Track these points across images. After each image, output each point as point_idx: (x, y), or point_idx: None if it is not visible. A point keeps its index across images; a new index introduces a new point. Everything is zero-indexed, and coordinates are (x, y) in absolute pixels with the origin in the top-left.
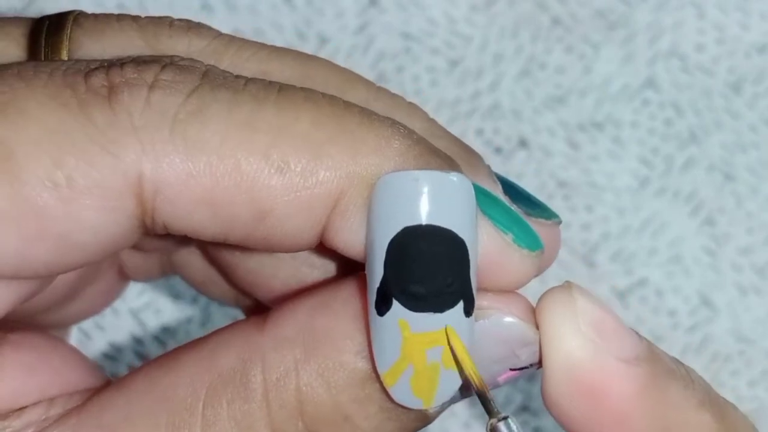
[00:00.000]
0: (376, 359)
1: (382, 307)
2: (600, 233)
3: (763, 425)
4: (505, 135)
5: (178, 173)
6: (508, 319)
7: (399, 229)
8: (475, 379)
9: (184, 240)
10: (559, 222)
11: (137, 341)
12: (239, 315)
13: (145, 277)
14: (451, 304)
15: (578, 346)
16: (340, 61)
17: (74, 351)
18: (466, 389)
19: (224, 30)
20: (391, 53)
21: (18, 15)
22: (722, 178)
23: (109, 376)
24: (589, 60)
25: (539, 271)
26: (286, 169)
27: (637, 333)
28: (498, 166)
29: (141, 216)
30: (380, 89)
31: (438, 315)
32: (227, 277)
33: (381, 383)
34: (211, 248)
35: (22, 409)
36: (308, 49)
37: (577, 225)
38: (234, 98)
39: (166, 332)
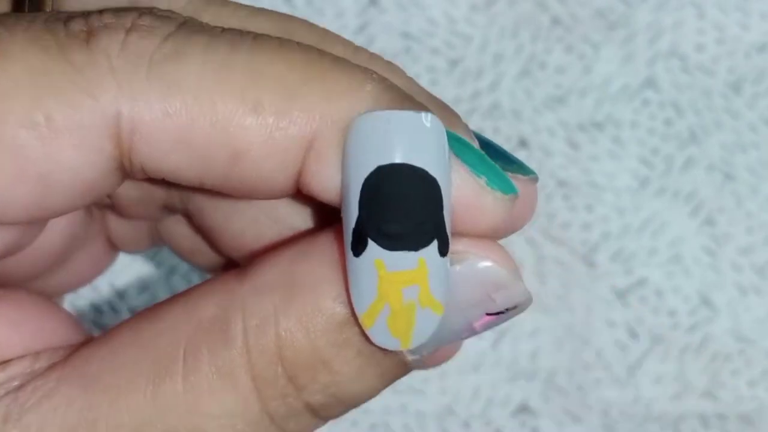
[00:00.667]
0: (353, 301)
1: (358, 247)
2: (600, 233)
3: (763, 425)
4: (505, 135)
5: (154, 112)
6: (484, 263)
7: (372, 168)
8: None
9: (170, 207)
10: (536, 179)
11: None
12: None
13: (134, 248)
14: (426, 243)
15: None
16: None
17: (58, 307)
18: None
19: None
20: (391, 53)
21: None
22: (722, 178)
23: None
24: (589, 60)
25: (516, 226)
26: (261, 110)
27: None
28: None
29: (119, 157)
30: (358, 48)
31: (413, 254)
32: (213, 244)
33: (359, 327)
34: (196, 213)
35: (7, 362)
36: None
37: (577, 225)
38: (210, 42)
39: None
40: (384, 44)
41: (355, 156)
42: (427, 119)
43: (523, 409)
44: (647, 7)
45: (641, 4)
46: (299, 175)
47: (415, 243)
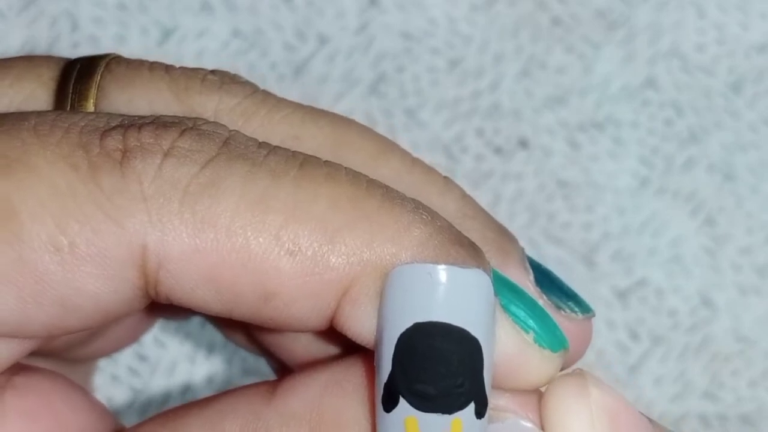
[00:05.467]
0: None
1: (389, 403)
2: (600, 233)
3: (763, 426)
4: (505, 135)
5: (183, 248)
6: (525, 423)
7: (409, 324)
8: None
9: None
10: (593, 315)
11: (137, 342)
12: None
13: (173, 316)
14: (461, 406)
15: None
16: (340, 61)
17: (81, 394)
18: None
19: (224, 30)
20: (391, 53)
21: (26, 16)
22: (722, 178)
23: (117, 418)
24: (589, 60)
25: (565, 367)
26: (297, 252)
27: (649, 420)
28: (498, 166)
29: (144, 287)
30: (416, 161)
31: (447, 416)
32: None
33: None
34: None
35: None
36: (308, 49)
37: (577, 225)
38: (250, 172)
39: (165, 332)
40: (384, 44)
41: (393, 308)
42: (471, 274)
43: None
44: (647, 7)
45: (641, 4)
46: (333, 313)
47: (448, 406)
